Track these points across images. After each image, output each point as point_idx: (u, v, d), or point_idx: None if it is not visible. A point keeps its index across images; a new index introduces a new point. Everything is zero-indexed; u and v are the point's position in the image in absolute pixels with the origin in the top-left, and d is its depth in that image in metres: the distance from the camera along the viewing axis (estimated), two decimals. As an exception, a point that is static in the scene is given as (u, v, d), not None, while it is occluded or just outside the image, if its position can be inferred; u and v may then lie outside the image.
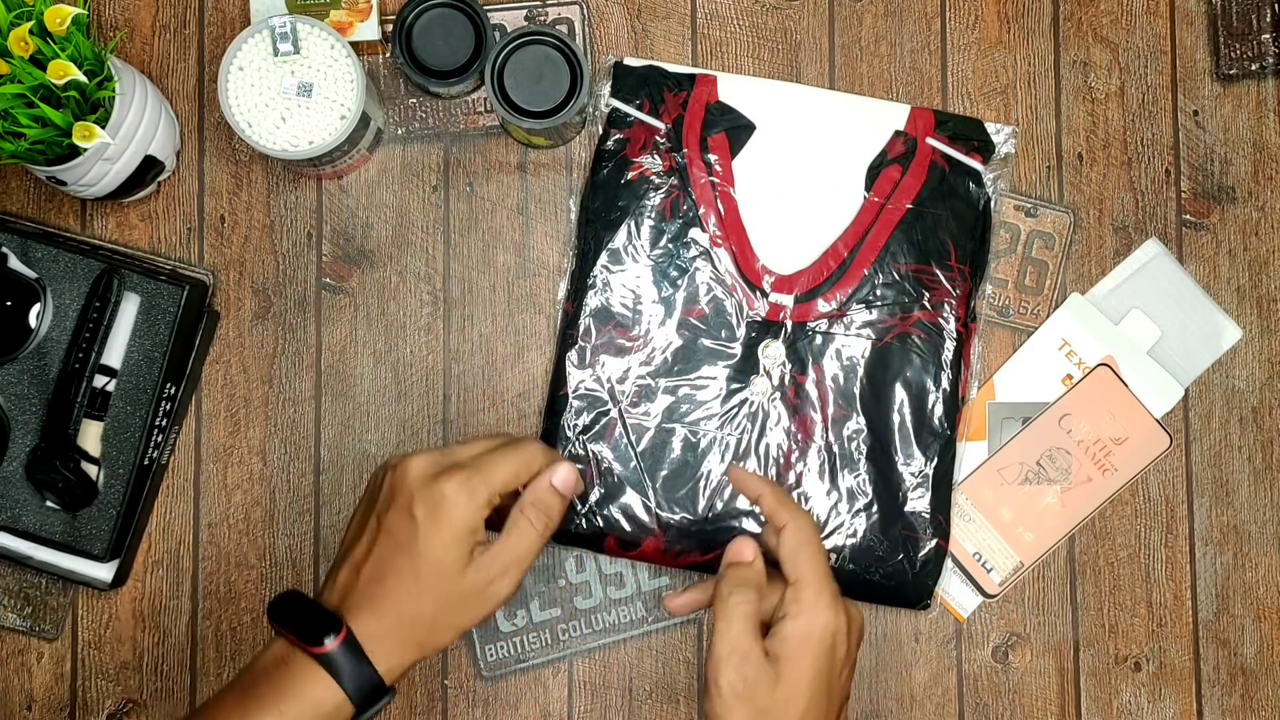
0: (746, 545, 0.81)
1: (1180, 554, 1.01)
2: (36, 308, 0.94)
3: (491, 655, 0.99)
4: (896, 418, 0.98)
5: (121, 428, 0.95)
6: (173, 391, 0.97)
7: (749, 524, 0.97)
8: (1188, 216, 1.03)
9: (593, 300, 0.98)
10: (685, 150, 0.99)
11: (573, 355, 0.98)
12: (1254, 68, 1.03)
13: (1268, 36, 1.03)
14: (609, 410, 0.98)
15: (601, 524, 0.97)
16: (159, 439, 0.97)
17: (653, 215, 0.99)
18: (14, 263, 0.95)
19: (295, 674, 0.75)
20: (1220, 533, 1.01)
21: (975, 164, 1.00)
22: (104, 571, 0.97)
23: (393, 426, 1.00)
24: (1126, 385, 1.00)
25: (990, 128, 1.01)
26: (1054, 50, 1.03)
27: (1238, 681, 1.00)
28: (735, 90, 1.01)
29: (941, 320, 0.98)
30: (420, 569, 0.76)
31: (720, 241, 0.98)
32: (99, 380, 0.95)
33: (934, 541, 0.97)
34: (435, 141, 1.02)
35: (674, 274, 0.98)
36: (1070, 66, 1.03)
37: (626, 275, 0.98)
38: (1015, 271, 1.02)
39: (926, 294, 0.98)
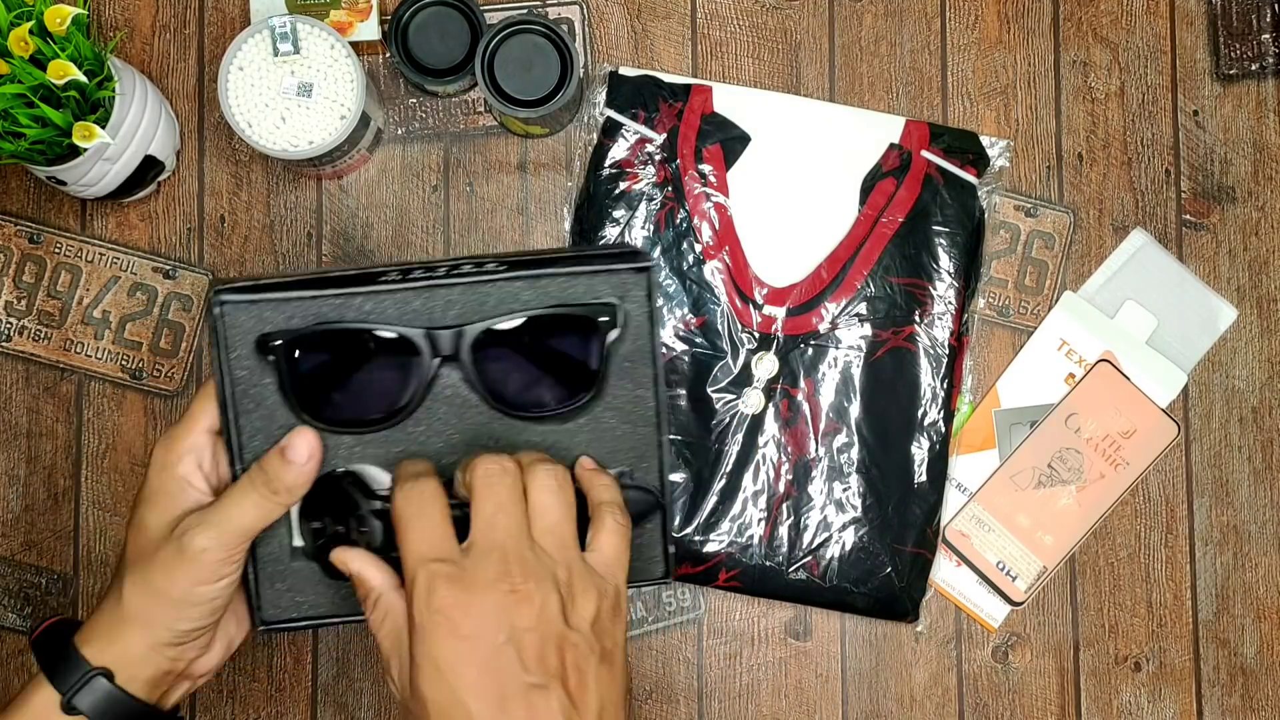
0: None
1: (1180, 554, 1.01)
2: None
3: (491, 655, 0.99)
4: (887, 431, 0.98)
5: None
6: None
7: (739, 538, 0.97)
8: (1188, 216, 1.03)
9: None
10: (679, 162, 0.99)
11: None
12: (1254, 68, 1.03)
13: (1268, 36, 1.03)
14: None
15: None
16: None
17: (647, 227, 0.99)
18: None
19: None
20: (1220, 533, 1.01)
21: (970, 177, 1.00)
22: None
23: (393, 426, 1.00)
24: (1128, 378, 1.00)
25: (985, 140, 1.01)
26: (1054, 50, 1.03)
27: (1238, 681, 1.00)
28: (731, 101, 1.00)
29: (934, 334, 0.98)
30: (128, 541, 0.69)
31: (714, 253, 0.98)
32: None
33: (921, 554, 0.97)
34: (435, 141, 1.02)
35: (667, 285, 0.98)
36: (1070, 66, 1.03)
37: None
38: (1015, 271, 1.02)
39: (919, 308, 0.98)
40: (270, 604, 0.72)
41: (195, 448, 0.69)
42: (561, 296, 0.70)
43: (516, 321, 0.69)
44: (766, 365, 0.98)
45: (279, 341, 0.68)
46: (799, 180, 1.00)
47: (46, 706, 0.69)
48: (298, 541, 0.71)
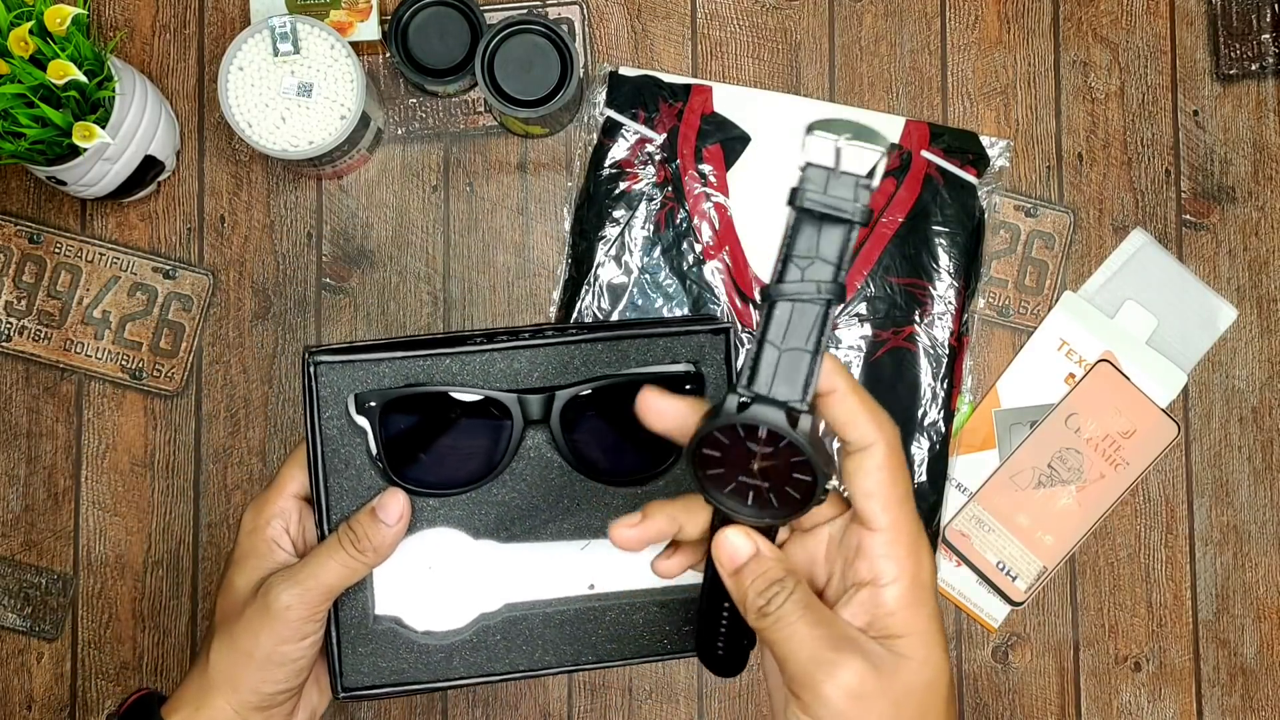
0: (740, 541, 0.59)
1: (1180, 554, 1.01)
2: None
3: (491, 655, 0.99)
4: None
5: None
6: None
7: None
8: (1188, 216, 1.03)
9: (585, 312, 0.98)
10: (679, 162, 0.99)
11: None
12: (1254, 68, 1.03)
13: (1268, 36, 1.03)
14: None
15: None
16: None
17: (647, 226, 0.99)
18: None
19: None
20: (1220, 533, 1.01)
21: (970, 177, 1.00)
22: None
23: (393, 426, 1.00)
24: (1128, 378, 1.00)
25: (985, 140, 1.01)
26: (1054, 50, 1.03)
27: (1238, 681, 1.00)
28: (731, 101, 1.00)
29: (934, 334, 0.98)
30: (217, 606, 0.70)
31: (714, 253, 0.98)
32: None
33: None
34: (435, 141, 1.02)
35: (667, 285, 0.98)
36: (1070, 66, 1.03)
37: (619, 286, 0.98)
38: (1015, 271, 1.02)
39: (919, 308, 0.98)
40: (352, 669, 0.70)
41: (283, 511, 0.70)
42: (640, 358, 0.71)
43: (602, 385, 0.70)
44: None
45: (374, 403, 0.69)
46: (799, 180, 1.00)
47: None
48: (379, 609, 0.70)
